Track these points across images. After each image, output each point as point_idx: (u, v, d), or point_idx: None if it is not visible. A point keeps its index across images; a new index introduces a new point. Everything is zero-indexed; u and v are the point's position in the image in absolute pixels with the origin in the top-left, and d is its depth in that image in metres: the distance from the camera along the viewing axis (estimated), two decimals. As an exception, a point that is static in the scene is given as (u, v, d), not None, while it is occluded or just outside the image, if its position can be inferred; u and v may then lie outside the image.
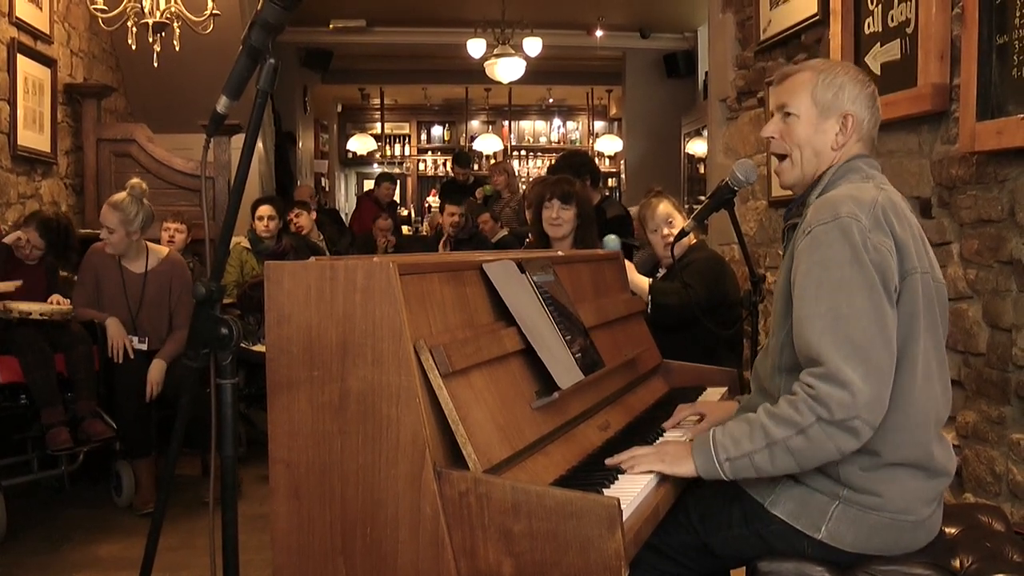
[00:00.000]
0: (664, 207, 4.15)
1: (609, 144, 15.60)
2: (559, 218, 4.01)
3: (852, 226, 1.94)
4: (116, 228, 4.65)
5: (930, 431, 2.02)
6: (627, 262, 3.71)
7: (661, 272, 4.30)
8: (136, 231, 4.71)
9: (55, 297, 4.50)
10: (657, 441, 2.43)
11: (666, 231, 4.10)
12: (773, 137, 2.25)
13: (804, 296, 1.96)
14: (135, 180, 4.92)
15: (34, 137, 5.75)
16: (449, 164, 11.41)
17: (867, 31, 4.01)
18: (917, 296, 1.99)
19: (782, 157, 2.24)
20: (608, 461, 2.14)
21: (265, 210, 6.29)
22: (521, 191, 8.61)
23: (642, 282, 3.82)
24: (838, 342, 1.88)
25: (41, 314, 4.35)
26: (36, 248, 4.69)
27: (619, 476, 2.06)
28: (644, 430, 2.53)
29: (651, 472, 2.07)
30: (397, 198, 13.78)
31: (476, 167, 15.34)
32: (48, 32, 5.95)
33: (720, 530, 2.11)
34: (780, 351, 2.09)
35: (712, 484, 2.13)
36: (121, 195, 4.72)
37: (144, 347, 4.73)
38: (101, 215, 4.74)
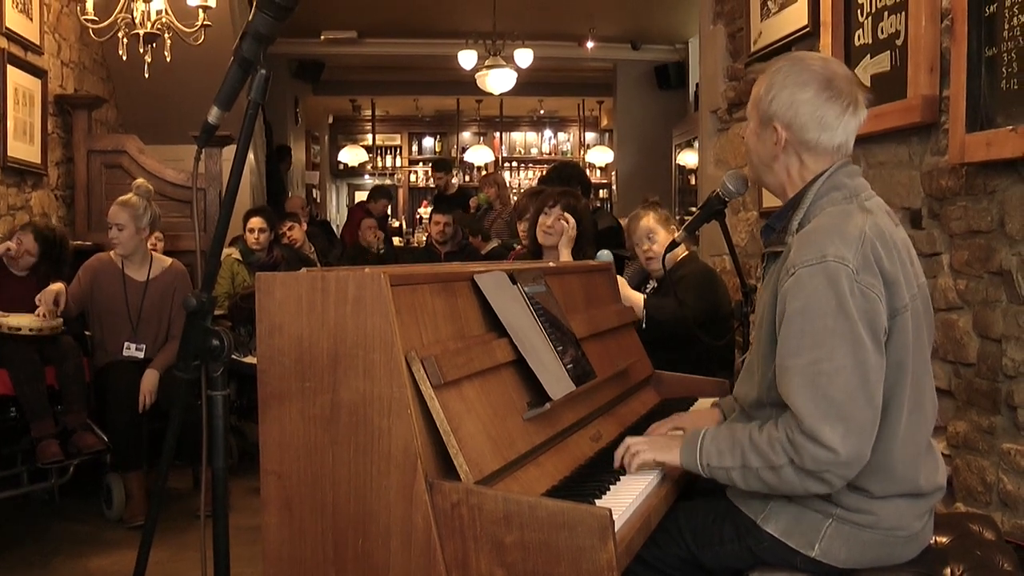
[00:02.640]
0: (646, 222, 4.17)
1: (600, 155, 15.64)
2: (554, 227, 4.01)
3: (839, 272, 1.87)
4: (126, 225, 4.70)
5: (918, 464, 2.01)
6: (619, 278, 3.71)
7: (652, 285, 4.31)
8: (145, 228, 4.78)
9: (40, 296, 4.48)
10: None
11: (647, 246, 4.13)
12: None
13: (786, 344, 1.92)
14: (140, 180, 5.01)
15: (24, 148, 5.73)
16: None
17: (857, 43, 4.03)
18: (907, 334, 1.95)
19: None
20: (616, 464, 2.20)
21: (256, 222, 6.30)
22: (513, 203, 8.62)
23: (636, 298, 3.82)
24: (817, 400, 1.84)
25: (31, 329, 4.34)
26: (29, 254, 4.68)
27: (611, 487, 2.07)
28: (636, 441, 2.53)
29: (644, 462, 2.15)
30: (388, 210, 13.74)
31: (467, 178, 15.38)
32: (38, 43, 5.93)
33: (712, 545, 2.11)
34: (767, 389, 2.05)
35: (704, 499, 2.14)
36: (128, 195, 4.76)
37: (141, 355, 4.73)
38: (109, 215, 4.78)
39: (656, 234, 4.13)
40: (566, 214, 4.02)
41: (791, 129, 2.06)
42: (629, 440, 2.22)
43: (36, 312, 4.45)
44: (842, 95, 2.05)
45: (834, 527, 1.98)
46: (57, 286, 4.54)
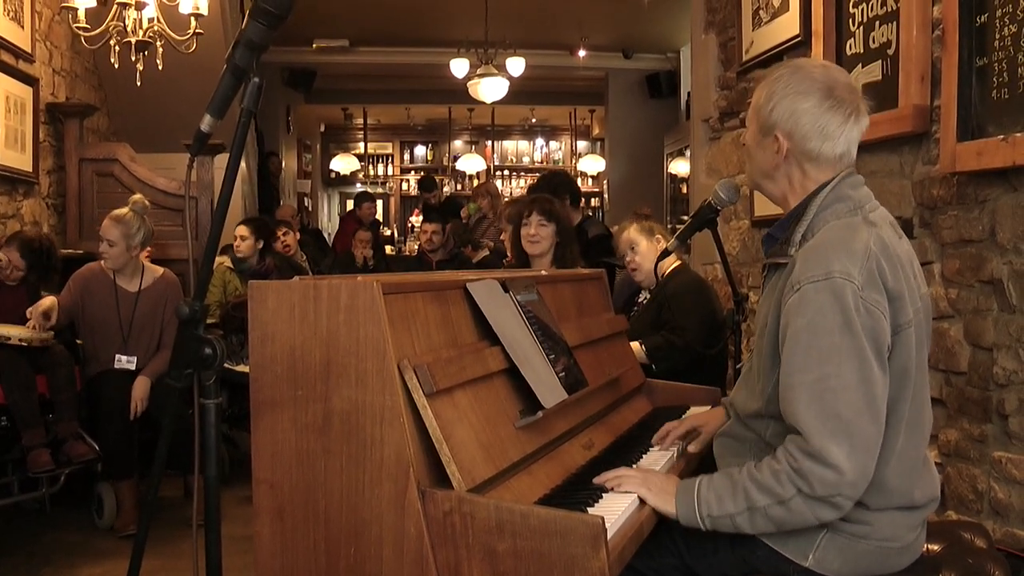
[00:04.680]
0: (627, 234, 4.21)
1: (592, 164, 15.66)
2: (536, 235, 4.02)
3: (845, 288, 1.86)
4: (117, 241, 4.67)
5: (914, 477, 2.01)
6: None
7: (644, 296, 4.31)
8: (136, 246, 4.75)
9: (31, 311, 4.47)
10: (642, 458, 2.43)
11: (629, 257, 4.17)
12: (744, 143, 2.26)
13: (791, 361, 1.90)
14: (137, 196, 4.97)
15: (15, 156, 5.71)
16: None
17: (849, 52, 4.04)
18: (910, 349, 1.94)
19: None
20: (595, 480, 2.14)
21: (240, 230, 6.29)
22: (504, 212, 8.65)
23: (635, 348, 3.78)
24: (824, 417, 1.82)
25: (20, 339, 4.33)
26: (17, 269, 4.67)
27: (603, 495, 2.06)
28: (628, 449, 2.53)
29: (635, 493, 2.07)
30: (380, 218, 13.76)
31: (459, 186, 15.39)
32: (30, 51, 5.92)
33: (705, 555, 2.09)
34: (767, 402, 2.04)
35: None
36: (123, 210, 4.75)
37: (132, 367, 4.71)
38: (102, 229, 4.76)
39: (638, 245, 4.17)
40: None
41: (792, 139, 2.04)
42: (622, 470, 2.15)
43: (27, 325, 4.44)
44: (844, 104, 2.03)
45: (828, 537, 1.97)
46: (49, 301, 4.54)
